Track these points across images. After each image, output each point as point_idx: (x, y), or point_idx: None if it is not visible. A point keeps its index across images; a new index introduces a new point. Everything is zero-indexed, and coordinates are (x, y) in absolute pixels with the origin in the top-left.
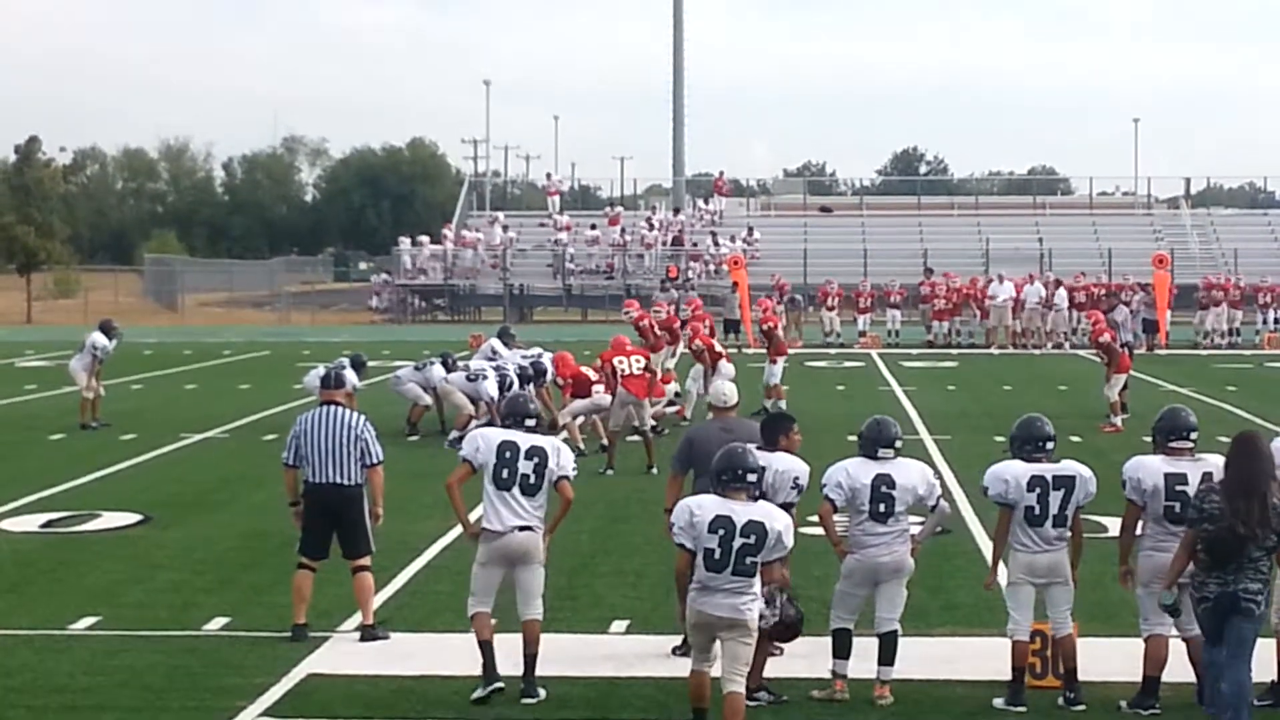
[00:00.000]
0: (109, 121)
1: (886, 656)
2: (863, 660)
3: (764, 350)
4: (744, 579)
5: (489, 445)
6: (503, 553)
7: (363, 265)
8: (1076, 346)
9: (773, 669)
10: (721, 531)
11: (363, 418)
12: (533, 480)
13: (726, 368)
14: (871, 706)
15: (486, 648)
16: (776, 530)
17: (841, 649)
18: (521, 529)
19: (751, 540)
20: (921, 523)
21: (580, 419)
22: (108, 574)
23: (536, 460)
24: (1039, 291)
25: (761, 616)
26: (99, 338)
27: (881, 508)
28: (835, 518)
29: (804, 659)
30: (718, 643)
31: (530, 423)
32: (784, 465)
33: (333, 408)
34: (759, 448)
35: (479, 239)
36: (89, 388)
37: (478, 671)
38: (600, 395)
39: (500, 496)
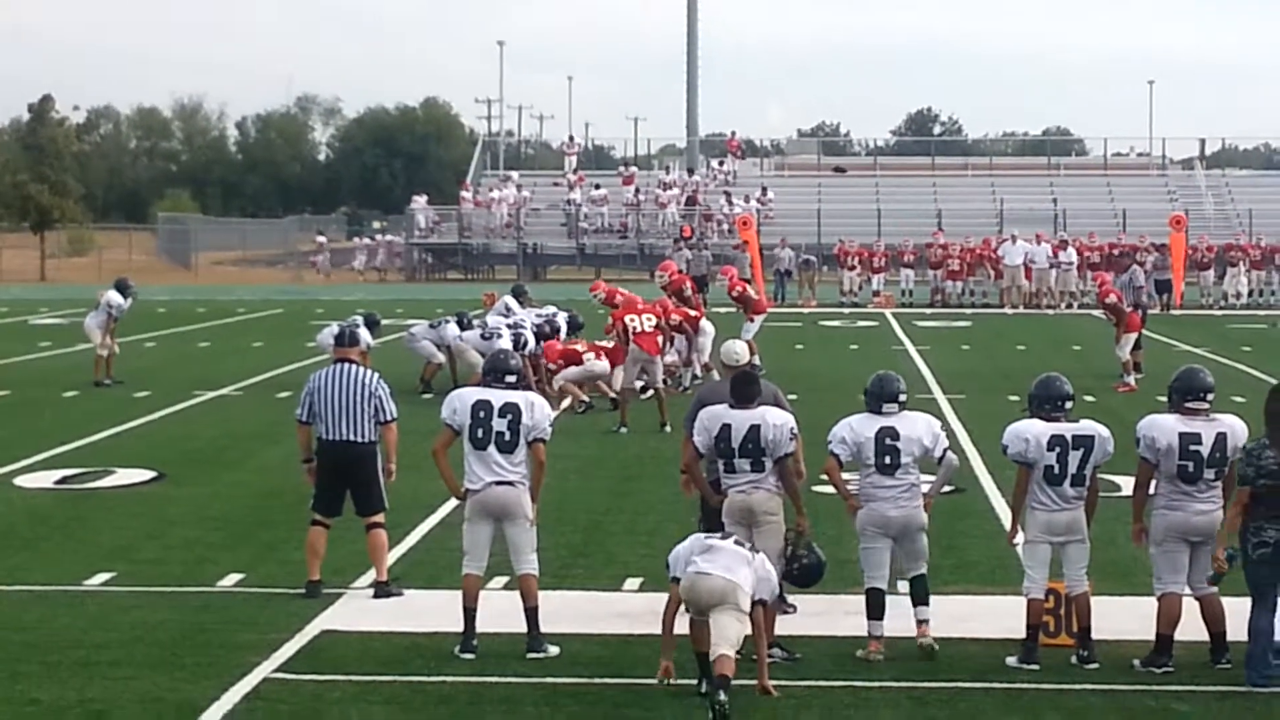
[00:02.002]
0: (123, 80)
1: (920, 596)
2: (865, 617)
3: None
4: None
5: (464, 406)
6: (484, 507)
7: (375, 224)
8: (1086, 307)
9: (786, 626)
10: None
11: (376, 375)
12: (508, 437)
13: (707, 326)
14: (888, 665)
15: (469, 614)
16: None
17: (875, 609)
18: (499, 484)
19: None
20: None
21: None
22: (122, 530)
23: (510, 417)
24: (1044, 252)
25: (785, 561)
26: (114, 296)
27: (887, 460)
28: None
29: (818, 617)
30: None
31: (510, 379)
32: (777, 419)
33: (347, 365)
34: (733, 406)
35: (495, 199)
36: (103, 345)
37: (492, 629)
38: (593, 362)
39: (477, 455)
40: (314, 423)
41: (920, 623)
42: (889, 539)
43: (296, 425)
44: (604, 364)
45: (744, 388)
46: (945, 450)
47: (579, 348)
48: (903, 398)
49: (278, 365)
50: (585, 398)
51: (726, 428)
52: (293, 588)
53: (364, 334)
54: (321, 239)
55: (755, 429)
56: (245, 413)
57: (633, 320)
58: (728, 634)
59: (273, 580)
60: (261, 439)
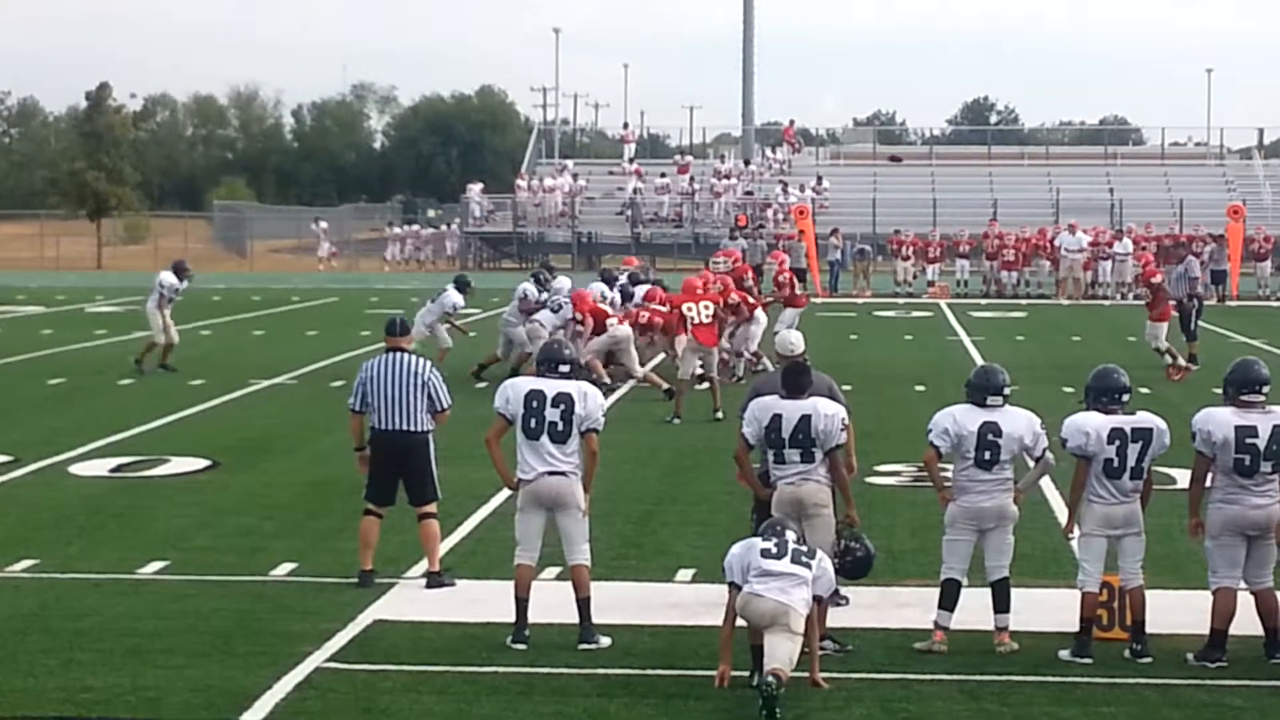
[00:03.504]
0: (179, 68)
1: (1001, 604)
2: (920, 610)
3: (826, 298)
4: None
5: (518, 395)
6: (536, 497)
7: (431, 212)
8: (1141, 298)
9: (837, 618)
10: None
11: (429, 363)
12: (560, 427)
13: (759, 315)
14: (940, 658)
15: (521, 605)
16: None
17: (948, 600)
18: (551, 474)
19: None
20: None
21: (607, 359)
22: (176, 519)
23: (563, 407)
24: (1078, 242)
25: (836, 554)
26: (168, 276)
27: (987, 455)
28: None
29: (870, 609)
30: None
31: (564, 369)
32: (829, 410)
33: (399, 354)
34: (784, 397)
35: (550, 187)
36: (163, 329)
37: (545, 619)
38: (616, 328)
39: (530, 445)
40: (366, 412)
41: (1000, 630)
42: (977, 532)
43: (349, 414)
44: (625, 329)
45: (795, 378)
46: (1044, 450)
47: (608, 309)
48: (1007, 391)
49: (332, 354)
50: (607, 380)
51: (777, 418)
52: (345, 577)
53: (455, 296)
54: (323, 225)
55: (806, 419)
56: (300, 401)
57: (690, 310)
58: (778, 654)
59: (325, 569)
60: (315, 428)
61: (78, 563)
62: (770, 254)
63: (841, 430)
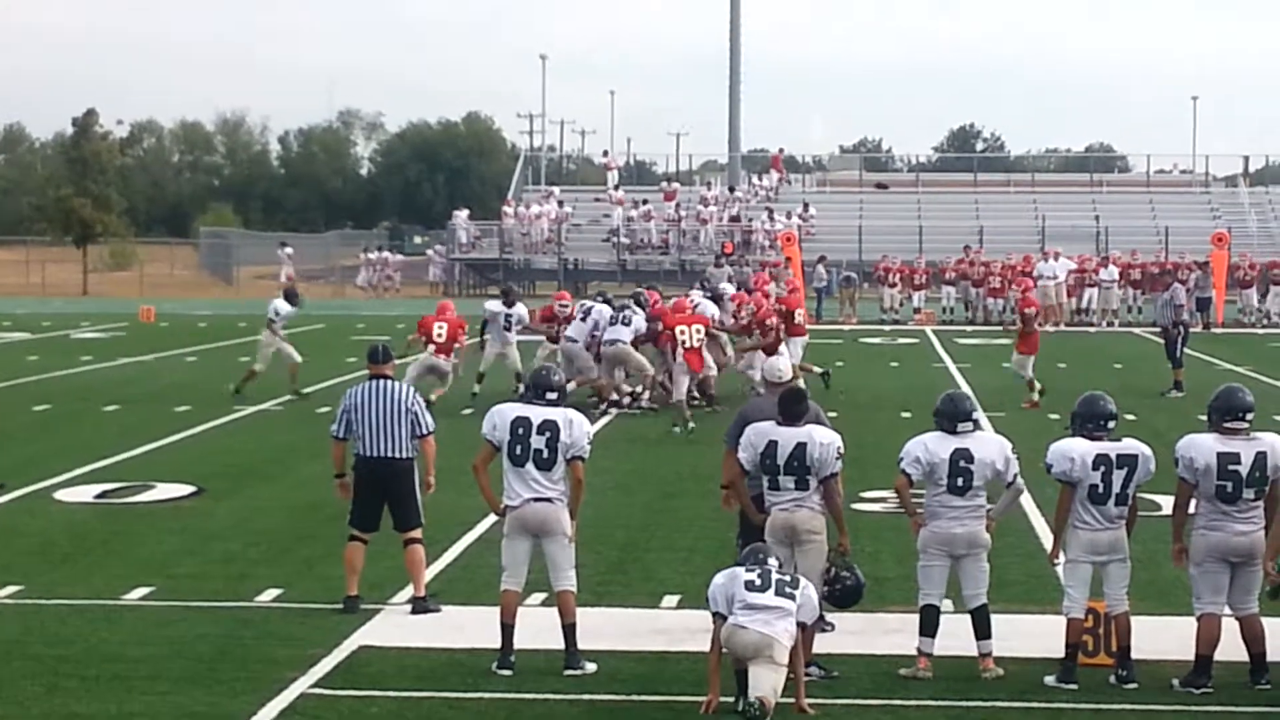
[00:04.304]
0: (166, 95)
1: (982, 631)
2: (905, 636)
3: (812, 325)
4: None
5: (504, 422)
6: (522, 523)
7: (417, 239)
8: (1128, 325)
9: (823, 644)
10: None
11: (412, 390)
12: (546, 455)
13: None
14: (926, 684)
15: (507, 631)
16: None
17: (928, 626)
18: (537, 500)
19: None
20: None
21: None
22: (161, 545)
23: (549, 435)
24: (1054, 269)
25: (826, 582)
26: (279, 303)
27: (960, 481)
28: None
29: (855, 635)
30: None
31: (551, 395)
32: (825, 438)
33: (383, 381)
34: (780, 423)
35: (536, 214)
36: (263, 359)
37: (530, 645)
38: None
39: (516, 473)
40: (349, 439)
41: (984, 656)
42: (950, 558)
43: (332, 440)
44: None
45: (792, 405)
46: (1016, 475)
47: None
48: (975, 416)
49: (318, 380)
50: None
51: (773, 444)
52: (331, 603)
53: (493, 304)
54: (288, 250)
55: (801, 447)
56: (285, 428)
57: (682, 333)
58: (762, 685)
59: (311, 595)
60: (301, 454)
61: (62, 589)
62: (753, 284)
63: (837, 459)
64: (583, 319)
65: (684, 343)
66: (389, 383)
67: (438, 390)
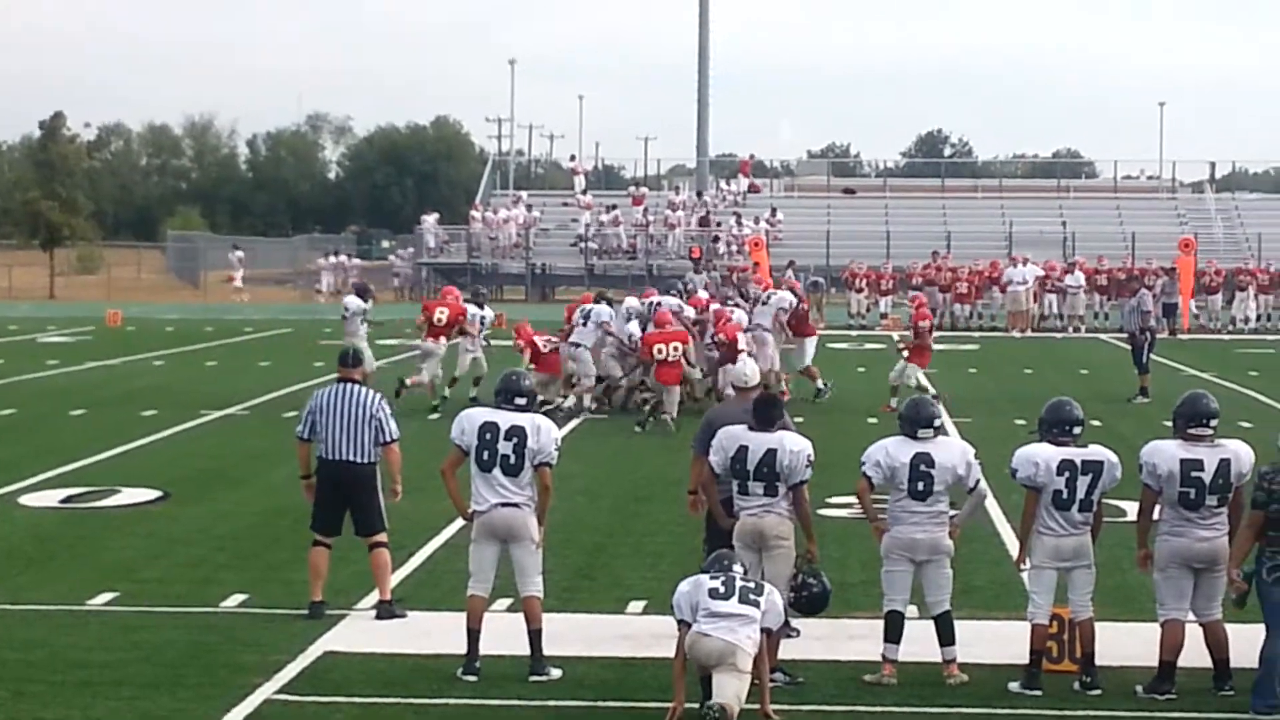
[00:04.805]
0: (134, 98)
1: (946, 637)
2: (870, 642)
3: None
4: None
5: (472, 426)
6: (489, 528)
7: (385, 244)
8: (1094, 331)
9: (789, 650)
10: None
11: (378, 396)
12: (513, 461)
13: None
14: (890, 690)
15: (473, 636)
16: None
17: (893, 632)
18: (504, 505)
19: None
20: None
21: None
22: (126, 550)
23: (516, 440)
24: (1023, 274)
25: (793, 589)
26: (351, 300)
27: (920, 486)
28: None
29: (820, 640)
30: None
31: (520, 401)
32: (795, 445)
33: (350, 385)
34: (752, 428)
35: (504, 219)
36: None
37: (496, 651)
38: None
39: (483, 478)
40: (314, 441)
41: (948, 662)
42: (913, 563)
43: (297, 442)
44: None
45: (765, 410)
46: (978, 481)
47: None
48: (938, 422)
49: (284, 385)
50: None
51: (743, 449)
52: (296, 608)
53: (476, 309)
54: (239, 254)
55: (772, 453)
56: (252, 433)
57: (659, 350)
58: (726, 692)
59: (276, 601)
60: (267, 459)
61: (27, 594)
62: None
63: (806, 467)
64: (584, 323)
65: (660, 357)
66: (356, 387)
67: (427, 377)
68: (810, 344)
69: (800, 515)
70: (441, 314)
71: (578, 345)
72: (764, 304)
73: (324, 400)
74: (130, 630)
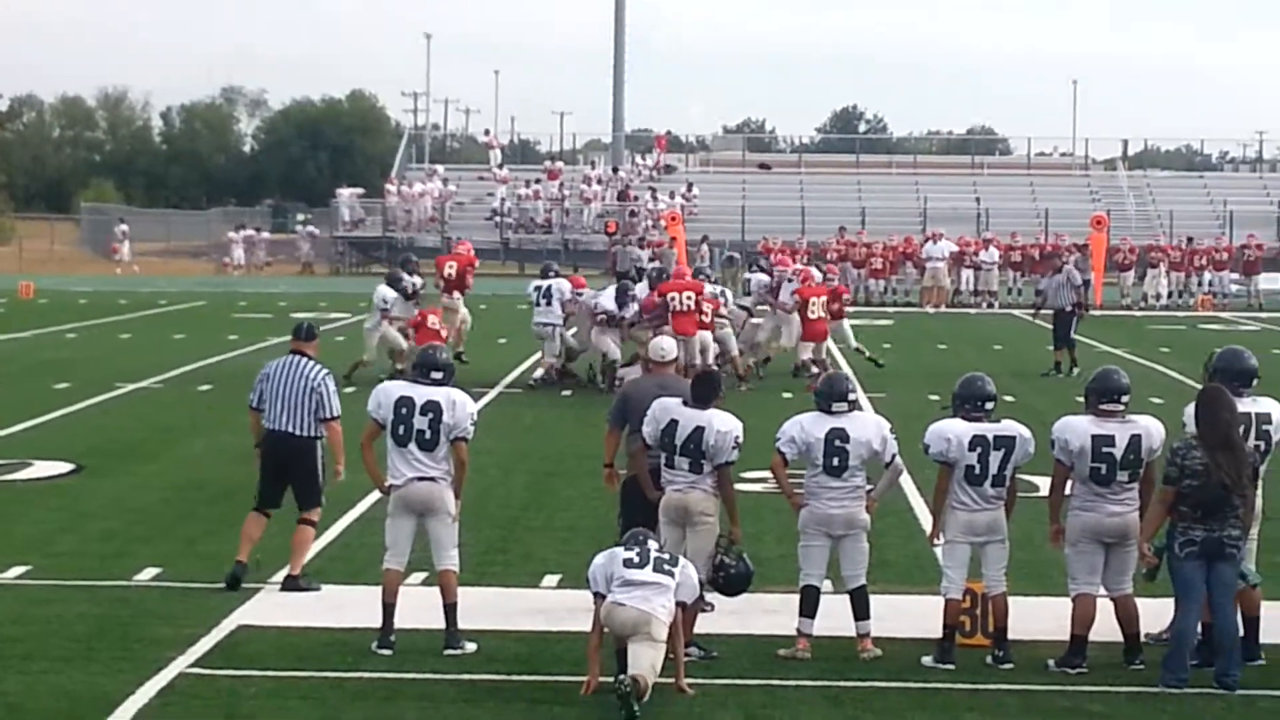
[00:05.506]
0: (47, 71)
1: (861, 611)
2: (785, 616)
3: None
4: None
5: (389, 400)
6: (405, 502)
7: (300, 217)
8: (1007, 306)
9: (703, 624)
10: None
11: (323, 371)
12: (428, 435)
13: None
14: (804, 665)
15: (388, 610)
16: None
17: (808, 606)
18: (420, 480)
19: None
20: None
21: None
22: (38, 523)
23: (431, 415)
24: (941, 250)
25: (713, 568)
26: (381, 290)
27: (835, 461)
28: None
29: (735, 615)
30: None
31: (437, 375)
32: (724, 425)
33: (298, 358)
34: (685, 404)
35: (420, 193)
36: (372, 351)
37: (410, 624)
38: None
39: (399, 452)
40: (264, 409)
41: (862, 636)
42: (829, 538)
43: (249, 410)
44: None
45: (701, 388)
46: (894, 455)
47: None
48: (852, 397)
49: (199, 358)
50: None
51: (673, 423)
52: (211, 582)
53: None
54: (124, 228)
55: (700, 430)
56: (166, 406)
57: (674, 298)
58: (640, 662)
59: (190, 574)
60: (181, 432)
61: None
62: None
63: (734, 448)
64: (546, 303)
65: (674, 307)
66: (303, 359)
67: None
68: (846, 325)
69: (724, 496)
70: (451, 269)
71: (546, 324)
72: (788, 281)
73: (272, 369)
74: (42, 604)
